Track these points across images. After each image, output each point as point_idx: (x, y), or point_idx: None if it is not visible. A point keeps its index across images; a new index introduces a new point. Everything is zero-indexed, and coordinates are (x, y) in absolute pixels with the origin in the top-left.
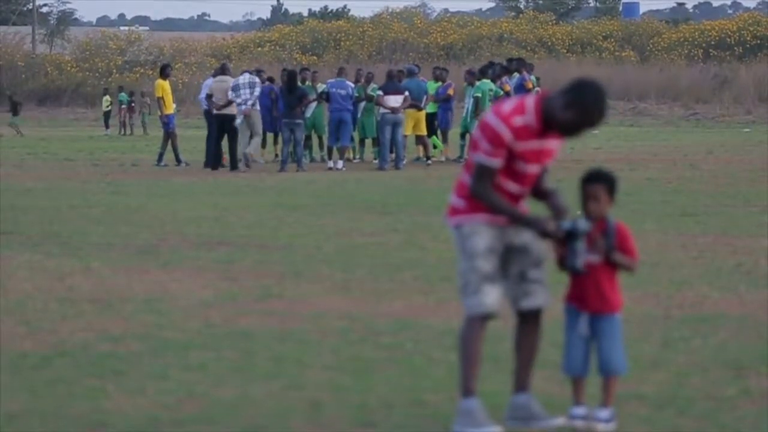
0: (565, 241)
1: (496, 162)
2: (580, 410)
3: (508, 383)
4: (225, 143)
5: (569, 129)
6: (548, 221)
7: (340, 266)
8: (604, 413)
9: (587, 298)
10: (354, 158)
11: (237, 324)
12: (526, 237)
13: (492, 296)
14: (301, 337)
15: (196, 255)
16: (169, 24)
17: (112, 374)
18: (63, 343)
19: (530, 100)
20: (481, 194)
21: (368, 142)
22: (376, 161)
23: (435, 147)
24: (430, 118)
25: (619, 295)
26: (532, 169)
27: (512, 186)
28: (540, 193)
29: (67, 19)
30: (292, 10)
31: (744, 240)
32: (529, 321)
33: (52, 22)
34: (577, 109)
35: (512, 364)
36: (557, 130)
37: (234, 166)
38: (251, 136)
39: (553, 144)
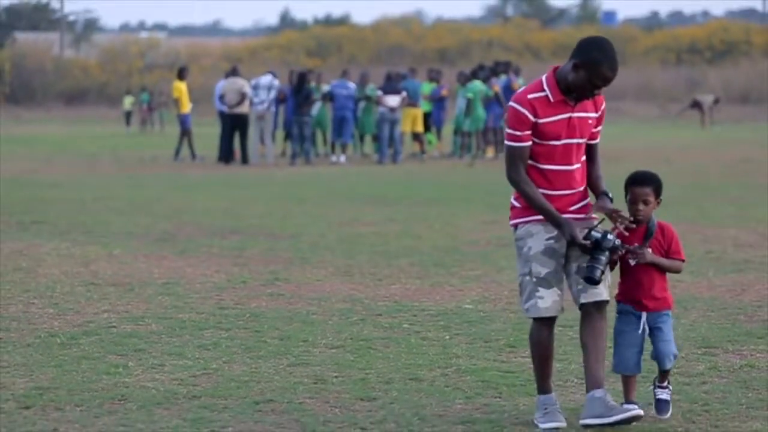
0: (591, 249)
1: (522, 144)
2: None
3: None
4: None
5: (584, 89)
6: (575, 227)
7: (343, 253)
8: (665, 394)
9: (641, 298)
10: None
11: (247, 306)
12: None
13: (548, 300)
14: (306, 318)
15: (209, 243)
16: (185, 30)
17: (133, 352)
18: (88, 323)
19: (544, 76)
20: (515, 180)
21: (368, 138)
22: (376, 156)
23: (430, 143)
24: (426, 117)
25: (668, 293)
26: (565, 144)
27: (550, 166)
28: (592, 187)
29: (92, 26)
30: (298, 17)
31: (713, 229)
32: (592, 315)
33: (78, 29)
34: (585, 67)
35: (582, 361)
36: (577, 95)
37: (245, 160)
38: (262, 135)
39: (581, 115)
